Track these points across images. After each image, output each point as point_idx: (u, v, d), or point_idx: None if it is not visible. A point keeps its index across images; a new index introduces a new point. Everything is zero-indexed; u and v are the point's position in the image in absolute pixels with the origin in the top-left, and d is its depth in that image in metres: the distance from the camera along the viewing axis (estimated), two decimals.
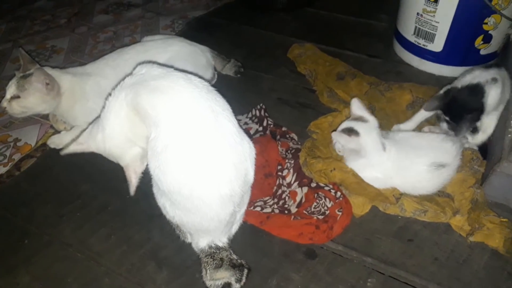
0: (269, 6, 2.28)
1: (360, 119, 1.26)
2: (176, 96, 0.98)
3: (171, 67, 1.40)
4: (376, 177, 1.25)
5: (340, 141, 1.23)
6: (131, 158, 1.10)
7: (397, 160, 1.23)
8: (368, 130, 1.23)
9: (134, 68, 1.10)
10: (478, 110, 1.29)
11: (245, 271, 1.08)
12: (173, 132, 0.95)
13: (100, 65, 1.53)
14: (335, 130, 1.27)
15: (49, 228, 1.27)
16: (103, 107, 1.09)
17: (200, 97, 0.99)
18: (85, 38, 2.21)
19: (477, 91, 1.29)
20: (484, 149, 1.37)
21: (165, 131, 0.95)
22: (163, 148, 0.95)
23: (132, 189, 1.10)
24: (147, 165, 1.05)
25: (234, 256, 1.10)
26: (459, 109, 1.30)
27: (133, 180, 1.10)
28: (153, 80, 1.01)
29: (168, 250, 1.19)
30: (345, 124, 1.26)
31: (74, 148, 1.16)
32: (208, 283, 1.07)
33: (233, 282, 1.06)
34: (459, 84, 1.34)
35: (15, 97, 1.35)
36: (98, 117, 1.13)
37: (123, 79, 1.07)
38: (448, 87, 1.37)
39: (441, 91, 1.39)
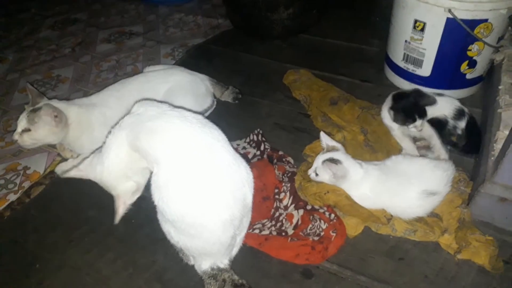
0: (265, 34, 2.38)
1: (332, 149, 1.38)
2: (172, 135, 1.07)
3: (171, 97, 1.50)
4: (366, 194, 1.32)
5: (332, 170, 1.30)
6: (124, 191, 1.21)
7: (388, 185, 1.31)
8: (344, 155, 1.35)
9: (132, 107, 1.20)
10: None
11: None
12: (173, 167, 1.04)
13: (104, 96, 1.61)
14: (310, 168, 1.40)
15: (59, 253, 1.33)
16: (104, 143, 1.19)
17: (195, 132, 1.08)
18: (88, 67, 2.30)
19: None
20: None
21: (165, 167, 1.04)
22: (164, 182, 1.03)
23: (118, 218, 1.20)
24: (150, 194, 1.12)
25: (236, 277, 1.16)
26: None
27: (120, 210, 1.20)
28: (150, 121, 1.10)
29: (172, 272, 1.26)
30: (322, 158, 1.34)
31: (74, 173, 1.26)
32: None
33: None
34: None
35: (26, 130, 1.43)
36: (99, 149, 1.22)
37: (122, 118, 1.17)
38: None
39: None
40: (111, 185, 1.21)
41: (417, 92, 1.59)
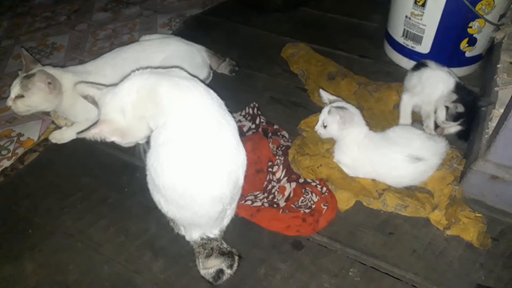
0: (265, 6, 2.34)
1: (334, 101, 1.39)
2: (192, 98, 1.05)
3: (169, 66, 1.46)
4: (356, 156, 1.34)
5: (339, 114, 1.30)
6: (110, 120, 1.09)
7: (377, 146, 1.32)
8: (347, 104, 1.38)
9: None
10: None
11: (236, 258, 1.17)
12: (178, 128, 1.02)
13: (99, 64, 1.59)
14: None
15: (52, 219, 1.34)
16: (127, 76, 1.13)
17: (212, 108, 1.06)
18: (85, 35, 2.27)
19: None
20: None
21: (171, 125, 1.02)
22: (164, 141, 1.02)
23: (81, 134, 1.07)
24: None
25: (224, 245, 1.18)
26: None
27: (92, 131, 1.06)
28: (178, 78, 1.08)
29: (164, 240, 1.27)
30: (328, 108, 1.35)
31: (90, 90, 1.16)
32: (202, 272, 1.16)
33: (224, 268, 1.14)
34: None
35: (20, 96, 1.41)
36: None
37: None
38: None
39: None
40: (104, 109, 1.10)
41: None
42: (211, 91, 1.11)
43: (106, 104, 1.10)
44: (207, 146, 1.03)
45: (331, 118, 1.33)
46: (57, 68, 1.53)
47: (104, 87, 1.16)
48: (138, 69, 1.12)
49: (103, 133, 1.09)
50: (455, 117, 1.44)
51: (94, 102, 1.17)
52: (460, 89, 1.44)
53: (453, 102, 1.42)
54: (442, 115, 1.46)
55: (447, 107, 1.44)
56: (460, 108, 1.41)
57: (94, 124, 1.08)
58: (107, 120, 1.09)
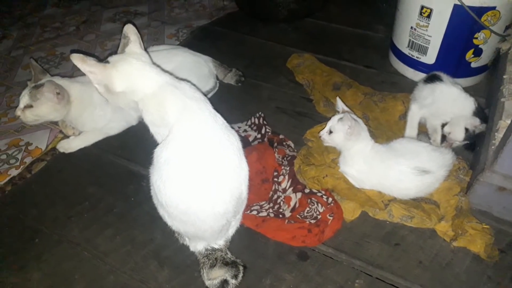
0: (271, 17, 2.36)
1: (346, 112, 1.40)
2: (196, 120, 1.07)
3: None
4: (362, 168, 1.33)
5: (348, 123, 1.31)
6: (113, 78, 1.09)
7: (383, 158, 1.32)
8: (359, 119, 1.38)
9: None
10: None
11: (241, 268, 1.16)
12: (181, 148, 1.04)
13: None
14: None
15: (58, 228, 1.35)
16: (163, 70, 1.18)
17: (215, 130, 1.09)
18: (93, 45, 2.29)
19: None
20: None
21: (173, 143, 1.04)
22: (165, 160, 1.04)
23: (79, 57, 1.05)
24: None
25: (229, 255, 1.18)
26: None
27: (87, 63, 1.06)
28: (189, 98, 1.10)
29: (170, 250, 1.27)
30: (339, 116, 1.36)
31: (136, 37, 1.19)
32: (207, 283, 1.16)
33: (229, 278, 1.14)
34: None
35: (28, 106, 1.43)
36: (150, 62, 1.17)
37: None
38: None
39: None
40: (121, 66, 1.10)
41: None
42: (218, 114, 1.13)
43: (128, 69, 1.10)
44: (208, 165, 1.05)
45: (340, 125, 1.33)
46: (66, 79, 1.56)
47: (146, 55, 1.18)
48: (170, 74, 1.17)
49: (94, 74, 1.08)
50: (472, 137, 1.45)
51: (123, 46, 1.17)
52: (479, 111, 1.44)
53: (476, 126, 1.42)
54: (460, 135, 1.45)
55: (466, 129, 1.44)
56: (482, 129, 1.43)
57: (99, 63, 1.07)
58: (112, 73, 1.08)
